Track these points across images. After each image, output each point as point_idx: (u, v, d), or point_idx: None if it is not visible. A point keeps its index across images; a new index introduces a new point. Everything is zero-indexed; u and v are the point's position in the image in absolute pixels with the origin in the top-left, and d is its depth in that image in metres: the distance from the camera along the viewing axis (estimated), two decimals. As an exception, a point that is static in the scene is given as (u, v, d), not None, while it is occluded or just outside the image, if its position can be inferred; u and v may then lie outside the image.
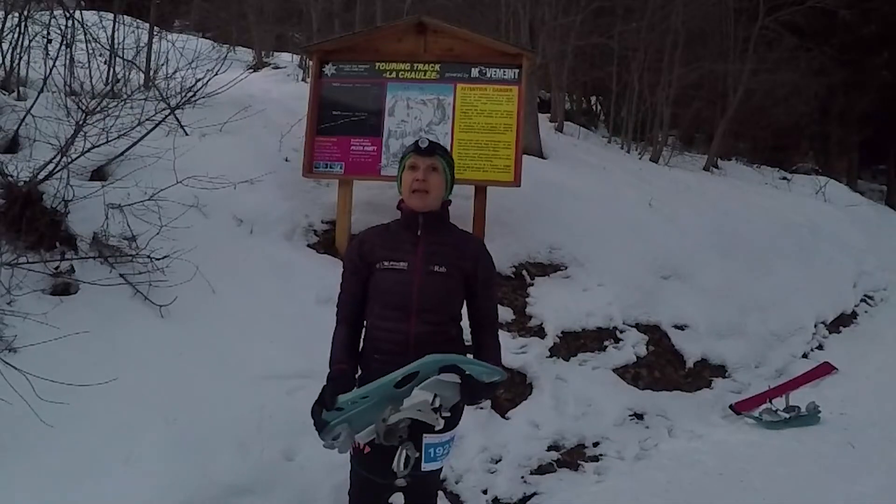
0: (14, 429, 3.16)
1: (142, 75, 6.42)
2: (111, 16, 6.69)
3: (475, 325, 2.64)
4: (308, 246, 5.29)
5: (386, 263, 2.52)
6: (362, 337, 2.60)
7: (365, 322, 2.59)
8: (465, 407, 2.57)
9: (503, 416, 4.50)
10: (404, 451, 2.31)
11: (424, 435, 2.38)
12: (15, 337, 3.48)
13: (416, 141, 2.60)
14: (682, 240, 6.98)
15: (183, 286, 4.18)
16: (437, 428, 2.35)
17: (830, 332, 7.18)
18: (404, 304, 2.47)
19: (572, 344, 5.30)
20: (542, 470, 4.26)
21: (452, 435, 2.52)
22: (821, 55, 13.29)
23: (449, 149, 5.18)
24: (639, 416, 4.98)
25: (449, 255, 2.54)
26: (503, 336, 4.91)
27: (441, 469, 2.62)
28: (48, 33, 5.91)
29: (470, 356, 2.48)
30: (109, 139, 4.80)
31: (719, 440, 4.84)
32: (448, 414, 2.35)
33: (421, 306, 2.47)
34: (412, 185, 2.53)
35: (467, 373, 2.32)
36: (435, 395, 2.27)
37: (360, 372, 2.57)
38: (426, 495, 2.67)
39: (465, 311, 2.64)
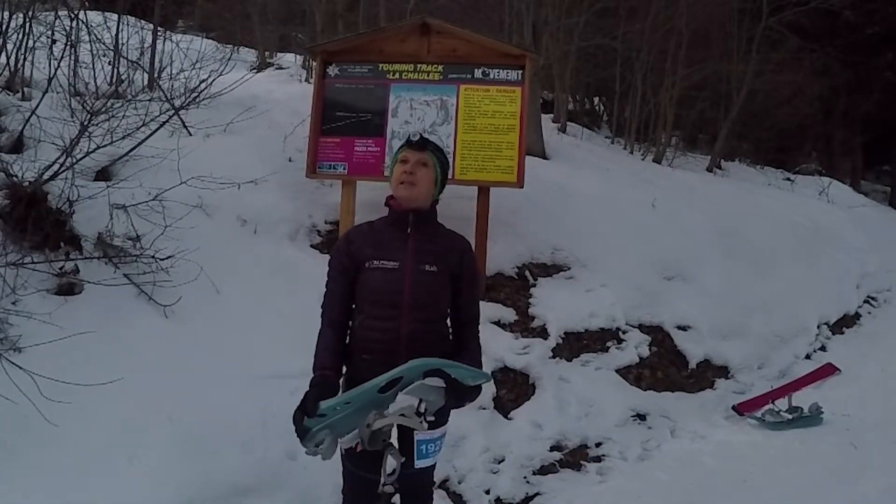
0: (19, 428, 3.17)
1: (146, 76, 6.43)
2: (115, 16, 6.70)
3: (458, 324, 2.63)
4: (311, 246, 5.30)
5: (375, 262, 2.51)
6: (348, 336, 2.59)
7: (351, 322, 2.58)
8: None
9: (506, 417, 4.51)
10: (389, 456, 2.30)
11: (416, 432, 2.37)
12: (20, 336, 3.50)
13: (409, 135, 2.61)
14: (685, 241, 6.97)
15: (187, 286, 4.20)
16: (421, 430, 2.34)
17: (833, 333, 7.16)
18: (396, 302, 2.47)
19: (575, 344, 5.30)
20: (544, 470, 4.26)
21: (444, 431, 2.53)
22: (824, 56, 13.29)
23: (452, 150, 5.20)
24: (641, 417, 4.98)
25: (438, 254, 2.55)
26: (506, 336, 5.01)
27: (434, 466, 2.62)
28: (52, 34, 5.93)
29: (446, 359, 2.47)
30: (114, 140, 4.83)
31: (722, 441, 4.84)
32: (433, 418, 2.33)
33: (412, 305, 2.47)
34: (400, 177, 2.54)
35: (452, 377, 2.31)
36: (420, 400, 2.25)
37: (345, 370, 2.56)
38: (421, 492, 2.67)
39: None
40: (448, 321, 2.63)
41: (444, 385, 2.30)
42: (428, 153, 2.59)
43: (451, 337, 2.63)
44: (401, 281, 2.48)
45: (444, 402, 2.33)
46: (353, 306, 2.58)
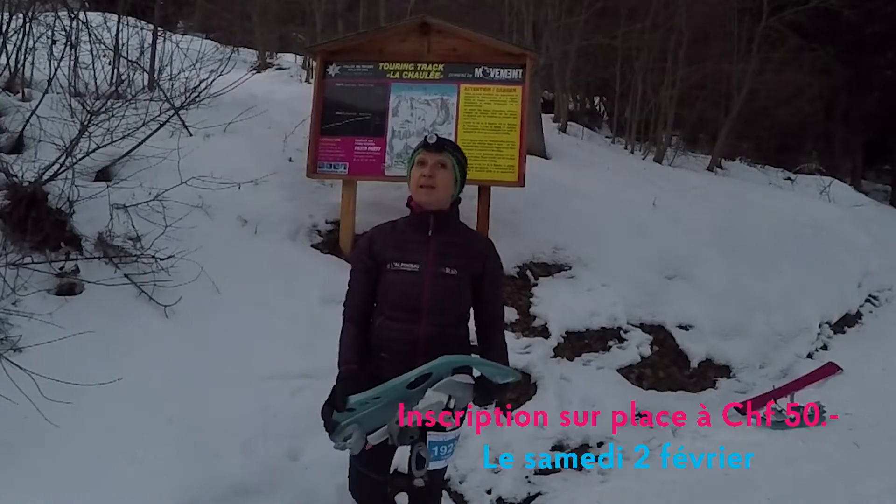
0: (19, 428, 3.16)
1: (146, 76, 6.42)
2: (115, 17, 6.70)
3: (482, 325, 2.65)
4: (312, 246, 5.29)
5: (396, 265, 2.52)
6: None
7: (372, 320, 2.59)
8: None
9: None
10: (417, 452, 2.30)
11: (429, 433, 2.38)
12: (20, 337, 3.49)
13: (426, 137, 2.60)
14: (687, 240, 6.96)
15: (187, 286, 4.19)
16: (448, 428, 2.35)
17: (835, 333, 7.16)
18: (415, 305, 2.48)
19: (576, 344, 5.29)
20: (546, 470, 4.25)
21: (457, 434, 2.52)
22: (825, 55, 13.29)
23: (453, 149, 5.19)
24: (643, 417, 4.97)
25: (459, 257, 2.54)
26: (507, 336, 4.96)
27: (445, 468, 2.62)
28: (52, 34, 5.92)
29: (475, 356, 2.49)
30: (114, 140, 4.82)
31: (724, 440, 4.83)
32: (461, 414, 2.36)
33: (431, 308, 2.48)
34: (419, 180, 2.54)
35: (481, 374, 2.32)
36: (449, 397, 2.27)
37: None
38: (431, 494, 2.67)
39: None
40: (469, 324, 2.64)
41: (473, 382, 2.30)
42: (446, 154, 2.57)
43: (469, 340, 2.64)
44: (420, 284, 2.49)
45: (473, 399, 2.34)
46: (375, 305, 2.59)
